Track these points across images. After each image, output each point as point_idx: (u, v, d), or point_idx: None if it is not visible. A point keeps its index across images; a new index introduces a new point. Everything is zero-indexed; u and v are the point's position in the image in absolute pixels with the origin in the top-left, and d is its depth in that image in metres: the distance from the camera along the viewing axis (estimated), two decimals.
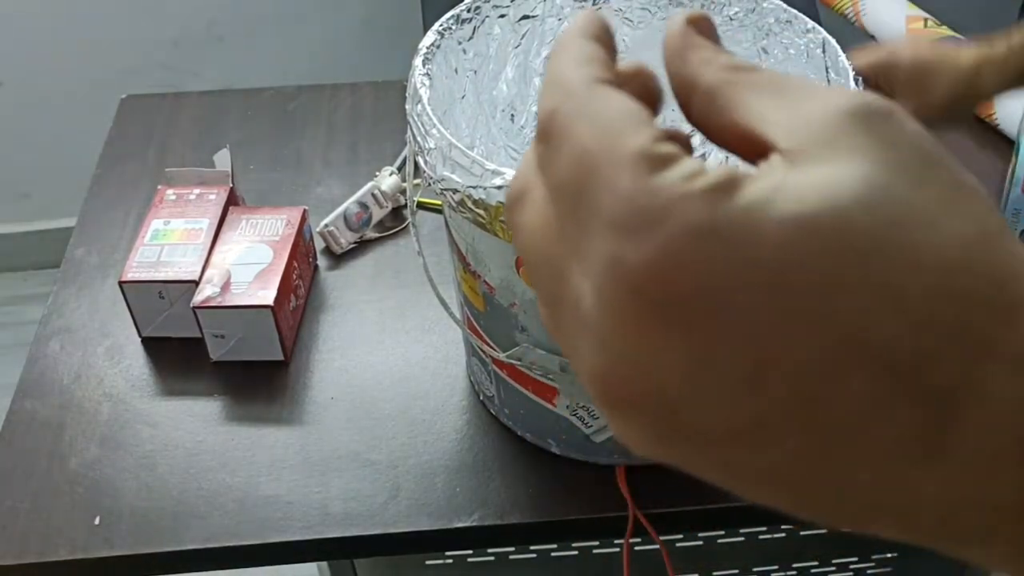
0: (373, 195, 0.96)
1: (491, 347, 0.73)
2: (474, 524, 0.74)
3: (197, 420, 0.82)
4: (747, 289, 0.21)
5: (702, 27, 0.27)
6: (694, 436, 0.23)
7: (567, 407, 0.73)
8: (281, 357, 0.85)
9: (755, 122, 0.24)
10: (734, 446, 0.23)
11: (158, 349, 0.87)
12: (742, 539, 0.96)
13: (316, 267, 0.94)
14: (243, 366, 0.85)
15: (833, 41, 0.69)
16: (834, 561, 1.01)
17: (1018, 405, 0.21)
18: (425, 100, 0.64)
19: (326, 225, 0.94)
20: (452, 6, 0.73)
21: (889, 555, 1.01)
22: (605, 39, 0.27)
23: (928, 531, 0.24)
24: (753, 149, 0.24)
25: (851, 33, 1.09)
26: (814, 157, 0.22)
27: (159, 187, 0.93)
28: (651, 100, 0.26)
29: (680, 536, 0.94)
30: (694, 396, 0.22)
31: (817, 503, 0.24)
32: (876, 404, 0.21)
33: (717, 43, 0.27)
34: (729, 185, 0.22)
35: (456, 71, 0.74)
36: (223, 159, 0.95)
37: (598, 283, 0.23)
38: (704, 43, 0.26)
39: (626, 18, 0.78)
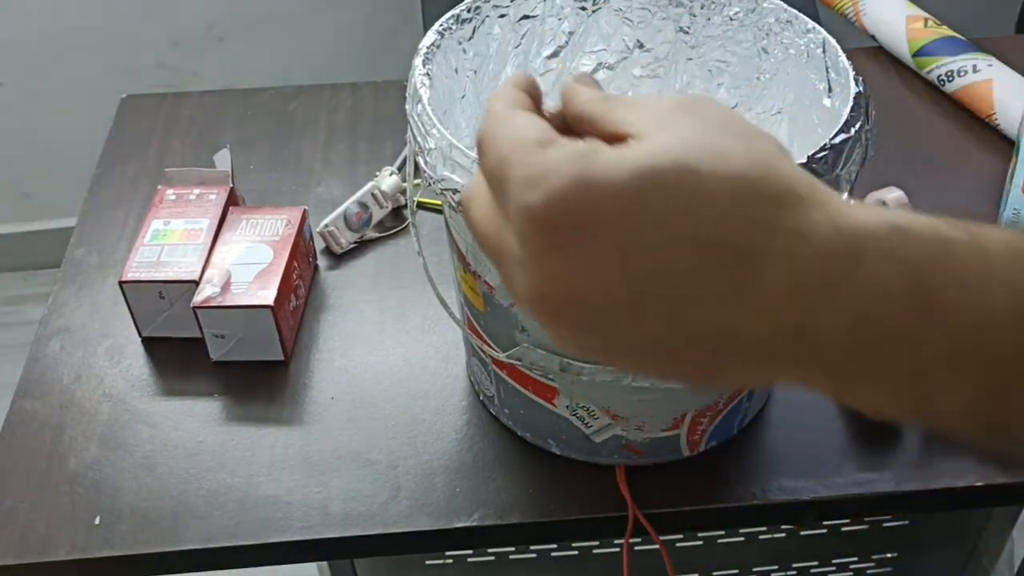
0: (373, 195, 0.96)
1: (491, 347, 0.73)
2: (474, 524, 0.74)
3: (197, 420, 0.82)
4: (609, 213, 0.33)
5: (585, 81, 0.41)
6: (599, 321, 0.35)
7: (567, 407, 0.73)
8: (281, 357, 0.85)
9: (619, 126, 0.36)
10: (625, 321, 0.34)
11: (158, 349, 0.87)
12: (742, 539, 0.96)
13: (316, 267, 0.94)
14: (243, 366, 0.85)
15: (833, 41, 0.69)
16: (834, 561, 1.01)
17: (792, 263, 0.33)
18: (425, 100, 0.64)
19: (326, 225, 0.94)
20: (452, 6, 0.73)
21: (889, 555, 1.01)
22: (528, 87, 0.42)
23: (758, 363, 0.35)
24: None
25: (851, 33, 1.09)
26: (650, 134, 0.35)
27: (159, 187, 0.93)
28: (565, 130, 0.39)
29: (680, 536, 0.94)
30: (591, 289, 0.34)
31: (684, 361, 0.35)
32: (701, 270, 0.33)
33: (597, 87, 0.41)
34: (595, 149, 0.34)
35: (456, 71, 0.74)
36: (223, 159, 0.95)
37: (517, 228, 0.35)
38: (584, 89, 0.40)
39: (626, 18, 0.78)
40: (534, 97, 0.41)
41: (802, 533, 0.97)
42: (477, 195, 0.38)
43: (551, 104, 0.42)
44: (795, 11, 0.72)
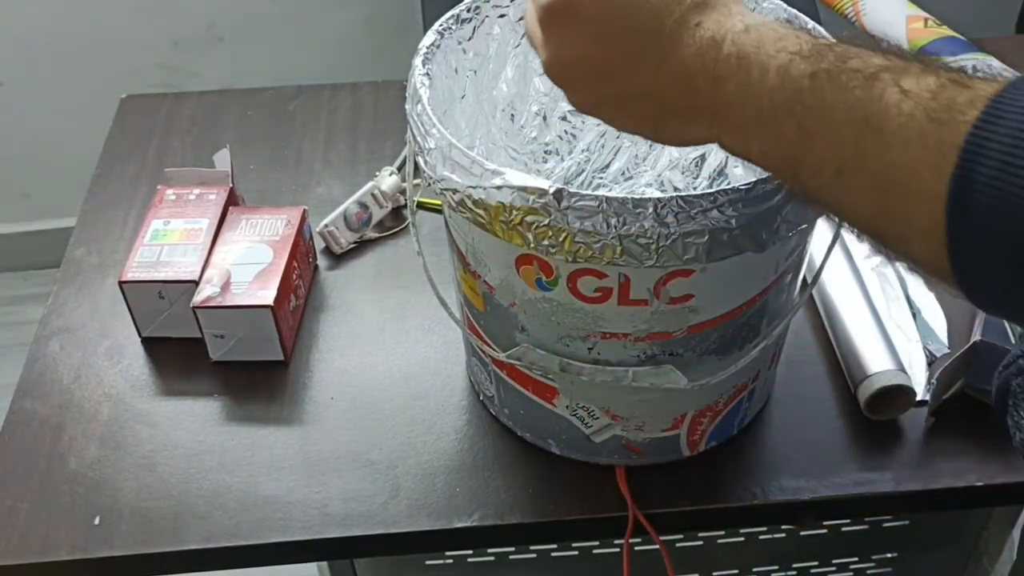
0: (373, 195, 0.96)
1: (491, 347, 0.73)
2: (474, 524, 0.74)
3: (197, 420, 0.82)
4: (587, 7, 0.52)
5: None
6: (588, 80, 0.54)
7: (567, 407, 0.73)
8: (281, 357, 0.85)
9: None
10: (600, 80, 0.54)
11: (158, 349, 0.87)
12: (742, 539, 0.96)
13: (316, 267, 0.94)
14: (243, 366, 0.85)
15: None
16: (834, 561, 1.01)
17: (690, 46, 0.50)
18: (425, 100, 0.64)
19: (326, 225, 0.94)
20: (452, 6, 0.73)
21: (889, 555, 1.01)
22: None
23: (678, 119, 0.53)
24: None
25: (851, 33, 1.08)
26: None
27: (159, 187, 0.93)
28: None
29: (680, 536, 0.94)
30: (579, 56, 0.54)
31: (638, 114, 0.54)
32: (642, 46, 0.51)
33: None
34: None
35: (456, 71, 0.74)
36: (223, 159, 0.95)
37: (539, 19, 0.54)
38: None
39: None
40: None
41: (802, 533, 0.97)
42: (528, 6, 0.57)
43: None
44: (795, 11, 0.72)
